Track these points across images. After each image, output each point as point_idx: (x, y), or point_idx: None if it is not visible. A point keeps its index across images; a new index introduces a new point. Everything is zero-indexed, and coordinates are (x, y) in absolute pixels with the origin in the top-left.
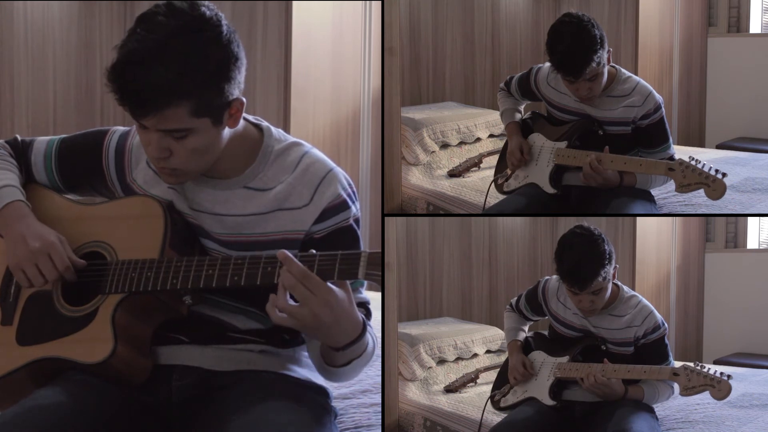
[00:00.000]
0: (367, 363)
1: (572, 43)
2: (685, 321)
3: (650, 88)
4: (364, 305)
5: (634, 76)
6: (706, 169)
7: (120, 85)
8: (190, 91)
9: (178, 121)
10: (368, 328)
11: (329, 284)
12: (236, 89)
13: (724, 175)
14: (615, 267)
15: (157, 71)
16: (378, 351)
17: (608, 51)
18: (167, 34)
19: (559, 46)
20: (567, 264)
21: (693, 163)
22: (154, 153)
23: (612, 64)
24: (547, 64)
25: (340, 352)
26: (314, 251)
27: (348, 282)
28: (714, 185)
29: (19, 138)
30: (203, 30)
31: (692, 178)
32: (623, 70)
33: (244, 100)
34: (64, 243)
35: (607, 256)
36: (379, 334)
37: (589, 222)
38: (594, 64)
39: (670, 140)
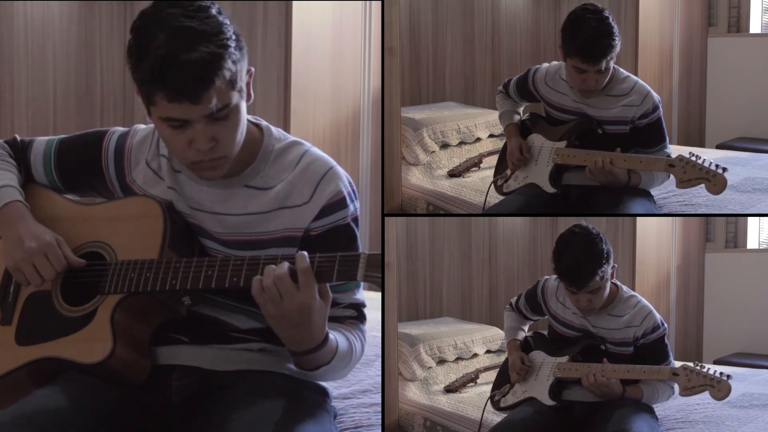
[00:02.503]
0: (343, 369)
1: (599, 29)
2: (685, 321)
3: (648, 87)
4: (356, 307)
5: (632, 76)
6: (706, 164)
7: (175, 71)
8: (230, 61)
9: (222, 98)
10: (331, 337)
11: (315, 292)
12: None
13: (724, 169)
14: (613, 266)
15: (200, 51)
16: (378, 351)
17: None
18: (183, 18)
19: (585, 30)
20: (565, 263)
21: (693, 158)
22: (203, 145)
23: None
24: (545, 65)
25: (299, 357)
26: (318, 254)
27: (329, 288)
28: (715, 180)
29: (19, 138)
30: (210, 7)
31: (693, 173)
32: (622, 70)
33: (252, 69)
34: (62, 243)
35: (605, 255)
36: (378, 334)
37: (587, 221)
38: (612, 54)
39: (667, 140)
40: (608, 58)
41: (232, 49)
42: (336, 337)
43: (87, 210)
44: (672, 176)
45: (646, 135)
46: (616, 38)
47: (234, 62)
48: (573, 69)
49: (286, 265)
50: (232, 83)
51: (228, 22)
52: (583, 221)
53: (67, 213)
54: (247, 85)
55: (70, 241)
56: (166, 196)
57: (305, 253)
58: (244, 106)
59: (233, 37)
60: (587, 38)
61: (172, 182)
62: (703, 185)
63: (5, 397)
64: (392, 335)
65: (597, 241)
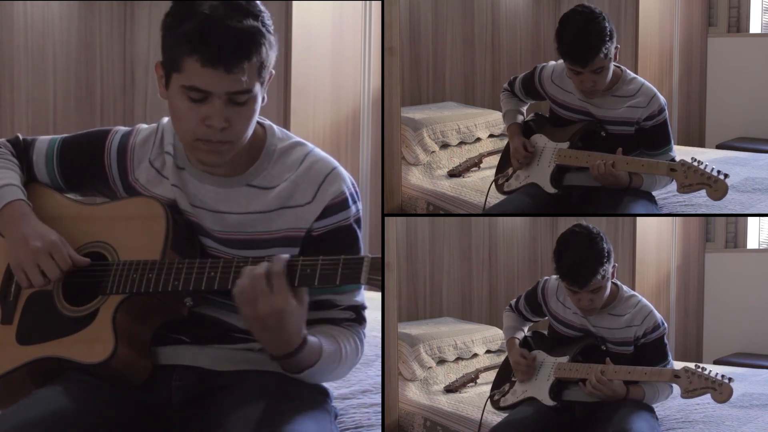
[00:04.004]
0: (334, 371)
1: (582, 32)
2: (685, 321)
3: (655, 89)
4: (355, 309)
5: (639, 78)
6: (708, 169)
7: (218, 34)
8: (268, 45)
9: (249, 79)
10: (313, 340)
11: (289, 296)
12: None
13: (726, 175)
14: (614, 266)
15: (244, 22)
16: (378, 351)
17: (616, 47)
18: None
19: (568, 34)
20: (566, 262)
21: (695, 164)
22: (217, 123)
23: (617, 64)
24: (552, 63)
25: (279, 361)
26: (322, 257)
27: (308, 291)
28: (716, 186)
29: (21, 137)
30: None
31: (694, 178)
32: (628, 71)
33: (274, 72)
34: (65, 243)
35: (606, 255)
36: (379, 334)
37: (588, 221)
38: (601, 55)
39: (672, 143)
40: (597, 58)
41: (270, 36)
42: (320, 340)
43: (89, 210)
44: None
45: (651, 137)
46: (607, 38)
47: (269, 48)
48: (569, 70)
49: (264, 266)
50: (260, 69)
51: (269, 14)
52: (583, 220)
53: (69, 213)
54: (267, 83)
55: (72, 241)
56: (170, 193)
57: (286, 255)
58: (260, 101)
59: (272, 27)
60: (572, 40)
61: (176, 180)
62: (704, 191)
63: (5, 396)
64: (392, 335)
65: (598, 241)
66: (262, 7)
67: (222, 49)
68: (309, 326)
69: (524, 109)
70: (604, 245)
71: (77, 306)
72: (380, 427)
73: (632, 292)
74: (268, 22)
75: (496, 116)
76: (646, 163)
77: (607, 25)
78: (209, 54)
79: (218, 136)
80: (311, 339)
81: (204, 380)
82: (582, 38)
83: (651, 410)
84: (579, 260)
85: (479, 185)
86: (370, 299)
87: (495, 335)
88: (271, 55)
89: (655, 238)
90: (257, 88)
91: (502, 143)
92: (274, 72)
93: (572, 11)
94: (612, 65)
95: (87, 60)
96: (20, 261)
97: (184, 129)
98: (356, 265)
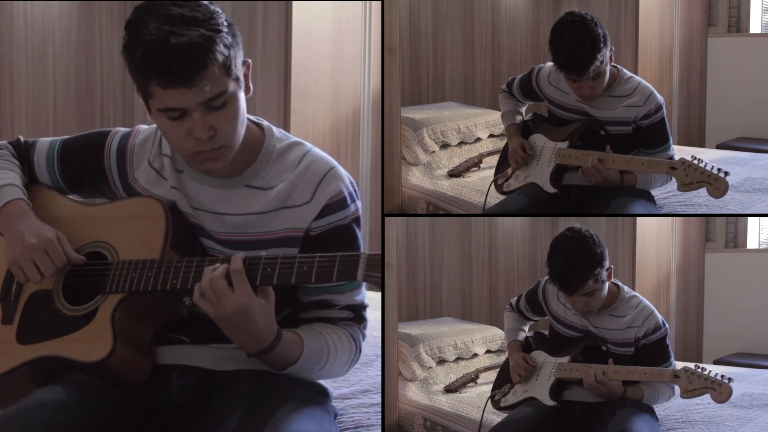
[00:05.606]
0: (323, 368)
1: (576, 43)
2: (685, 321)
3: (651, 88)
4: (354, 308)
5: (636, 77)
6: (708, 167)
7: (165, 56)
8: (223, 45)
9: (217, 84)
10: (291, 337)
11: (252, 292)
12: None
13: (726, 173)
14: (609, 268)
15: (190, 34)
16: (378, 351)
17: (611, 50)
18: (174, 7)
19: (562, 45)
20: (556, 267)
21: (695, 162)
22: (202, 134)
23: (614, 64)
24: (549, 64)
25: (258, 358)
26: (319, 254)
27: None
28: (716, 183)
29: (22, 139)
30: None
31: (695, 176)
32: (625, 71)
33: (250, 61)
34: (62, 240)
35: (597, 258)
36: (379, 334)
37: (585, 222)
38: (597, 63)
39: (671, 141)
40: (593, 66)
41: (223, 34)
42: (302, 336)
43: (90, 210)
44: (672, 178)
45: (649, 135)
46: (601, 44)
47: (227, 47)
48: (566, 78)
49: (223, 266)
50: (226, 69)
51: (220, 11)
52: (579, 223)
53: (70, 213)
54: (246, 77)
55: (72, 240)
56: (169, 195)
57: (242, 254)
58: (242, 97)
59: (225, 23)
60: (566, 52)
61: (175, 182)
62: (704, 189)
63: (5, 395)
64: (392, 335)
65: (590, 245)
66: (213, 6)
67: (173, 70)
68: (305, 325)
69: (523, 109)
70: (596, 249)
71: (77, 305)
72: (380, 427)
73: (633, 293)
74: (220, 20)
75: (496, 116)
76: (646, 161)
77: (600, 31)
78: (164, 78)
79: (209, 145)
80: (288, 335)
81: (204, 380)
82: (576, 49)
83: (651, 411)
84: (568, 265)
85: (479, 185)
86: (370, 299)
87: (495, 335)
88: (232, 52)
89: (655, 238)
90: (231, 86)
91: (502, 143)
92: (250, 61)
93: (564, 21)
94: (608, 68)
95: (87, 60)
96: (16, 258)
97: (177, 147)
98: (353, 262)
